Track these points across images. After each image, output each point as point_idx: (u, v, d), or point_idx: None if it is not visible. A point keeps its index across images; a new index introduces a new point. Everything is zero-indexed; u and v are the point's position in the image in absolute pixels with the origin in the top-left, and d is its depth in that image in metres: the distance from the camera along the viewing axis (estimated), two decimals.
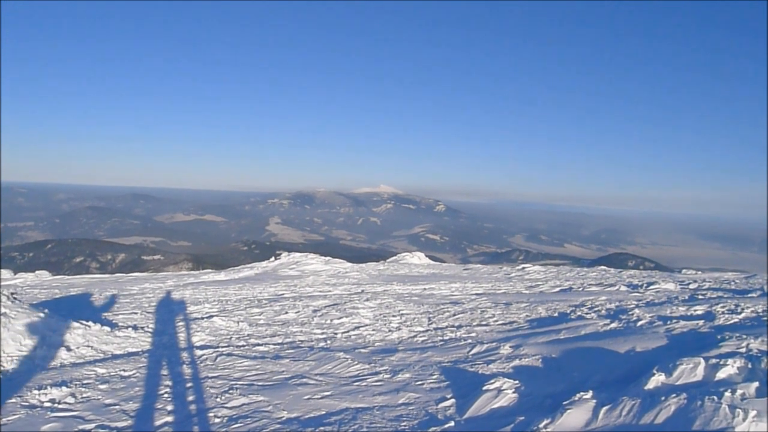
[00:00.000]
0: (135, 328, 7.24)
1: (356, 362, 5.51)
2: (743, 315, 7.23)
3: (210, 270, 22.87)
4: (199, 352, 6.08)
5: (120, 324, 7.54)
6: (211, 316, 8.38)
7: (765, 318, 6.97)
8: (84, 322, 6.58)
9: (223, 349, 6.30)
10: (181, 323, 7.91)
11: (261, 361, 5.70)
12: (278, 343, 6.71)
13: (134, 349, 6.18)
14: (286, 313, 8.93)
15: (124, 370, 5.24)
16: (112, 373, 5.14)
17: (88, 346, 6.04)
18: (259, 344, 6.63)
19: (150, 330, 7.27)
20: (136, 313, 8.77)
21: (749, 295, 9.79)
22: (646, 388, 3.85)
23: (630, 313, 7.70)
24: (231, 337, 7.06)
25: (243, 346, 6.55)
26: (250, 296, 11.38)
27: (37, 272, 18.19)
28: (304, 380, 4.98)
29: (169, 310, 9.25)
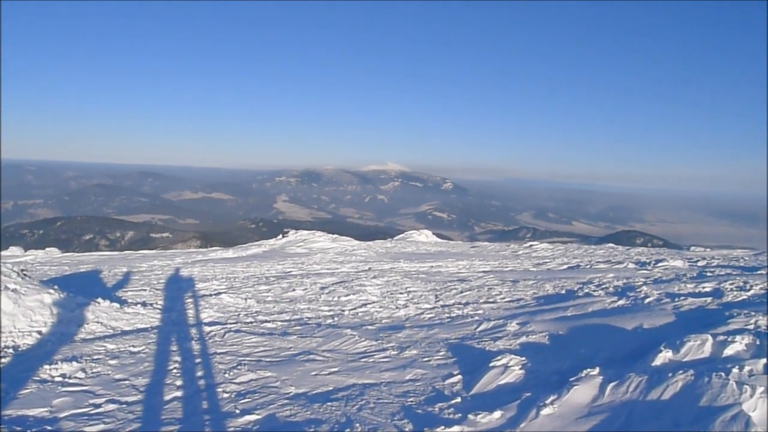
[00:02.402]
0: (144, 304, 7.29)
1: (363, 339, 5.54)
2: (752, 292, 7.19)
3: (218, 247, 23.01)
4: (207, 329, 6.13)
5: (129, 301, 7.61)
6: (220, 293, 8.44)
7: None
8: (94, 298, 6.64)
9: (232, 325, 6.35)
10: (189, 300, 7.98)
11: (269, 337, 5.75)
12: (286, 320, 6.76)
13: (143, 326, 6.23)
14: (294, 290, 8.97)
15: (133, 346, 5.30)
16: (121, 349, 5.20)
17: (97, 322, 6.10)
18: (266, 321, 6.69)
19: (159, 307, 7.33)
20: (145, 290, 8.83)
21: (758, 272, 9.72)
22: (653, 364, 3.85)
23: (638, 290, 7.68)
24: (239, 314, 7.11)
25: (251, 322, 6.60)
26: (257, 273, 11.44)
27: (47, 249, 18.36)
28: (312, 356, 5.02)
29: (177, 287, 9.31)
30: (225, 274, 11.21)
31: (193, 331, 6.08)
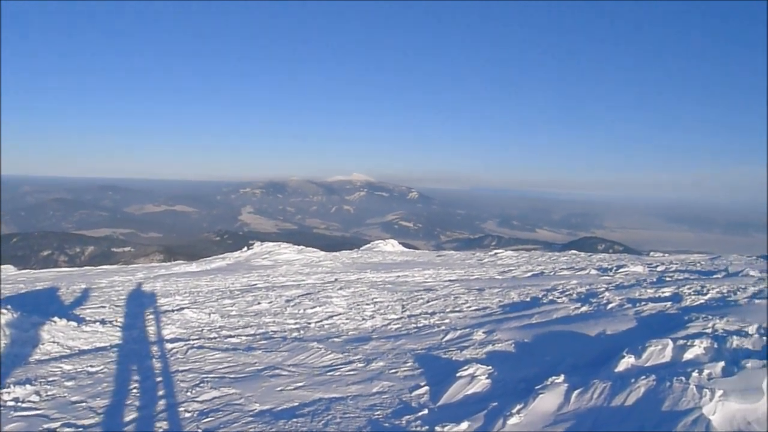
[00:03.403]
0: (103, 322, 7.05)
1: (330, 352, 5.48)
2: (709, 296, 7.40)
3: (181, 261, 22.52)
4: (169, 346, 5.96)
5: (87, 318, 7.34)
6: (182, 308, 8.24)
7: (729, 298, 7.15)
8: (50, 317, 6.39)
9: (194, 341, 6.19)
10: (150, 316, 7.76)
11: (233, 353, 5.63)
12: (250, 334, 6.64)
13: (102, 344, 6.02)
14: (259, 303, 8.83)
15: (91, 366, 5.10)
16: (78, 370, 5.00)
17: (53, 342, 5.86)
18: (231, 336, 6.55)
19: (119, 324, 7.11)
20: (104, 307, 8.55)
21: (714, 276, 10.03)
22: (616, 370, 3.90)
23: (600, 296, 7.82)
24: (202, 329, 6.95)
25: (214, 338, 6.45)
26: (222, 287, 11.22)
27: (1, 267, 17.64)
28: (277, 371, 4.93)
29: (138, 303, 9.05)
30: (188, 289, 10.96)
31: (155, 348, 5.91)
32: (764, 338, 4.49)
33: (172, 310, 8.18)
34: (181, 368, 5.06)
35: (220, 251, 25.67)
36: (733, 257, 15.00)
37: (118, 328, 6.81)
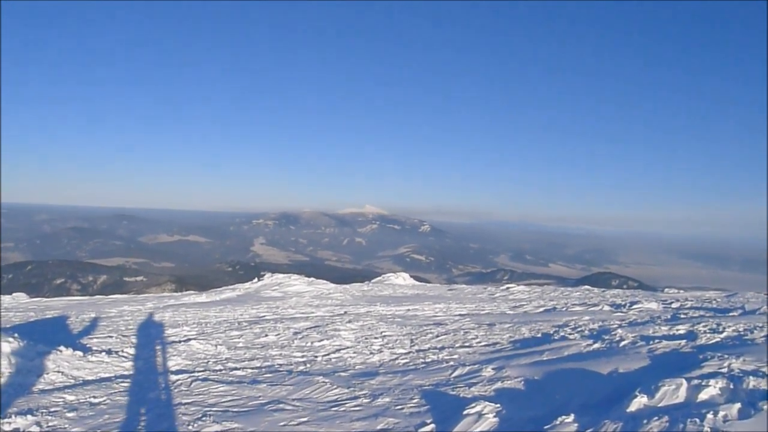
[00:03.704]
0: (109, 352, 7.02)
1: (335, 386, 5.38)
2: (725, 334, 7.23)
3: (192, 291, 22.52)
4: (173, 377, 5.90)
5: (94, 348, 7.32)
6: (189, 339, 8.19)
7: (746, 337, 6.97)
8: (56, 346, 6.37)
9: (199, 373, 6.13)
10: (157, 347, 7.71)
11: (237, 386, 5.55)
12: (256, 367, 6.56)
13: (107, 375, 5.98)
14: (266, 335, 8.76)
15: (94, 397, 5.06)
16: (81, 400, 4.95)
17: (58, 371, 5.84)
18: (236, 368, 6.48)
19: (125, 354, 7.06)
20: (111, 337, 8.53)
21: (730, 314, 9.82)
22: (628, 410, 3.79)
23: (613, 333, 7.67)
24: (208, 361, 6.88)
25: (220, 370, 6.38)
26: (230, 318, 11.18)
27: (14, 294, 17.75)
28: (281, 405, 4.84)
29: (146, 334, 9.03)
30: (197, 319, 10.93)
31: (159, 380, 5.85)
32: None
33: (179, 341, 8.13)
34: (184, 401, 5.00)
35: (232, 282, 25.70)
36: (750, 295, 14.70)
37: (123, 359, 6.77)
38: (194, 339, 8.23)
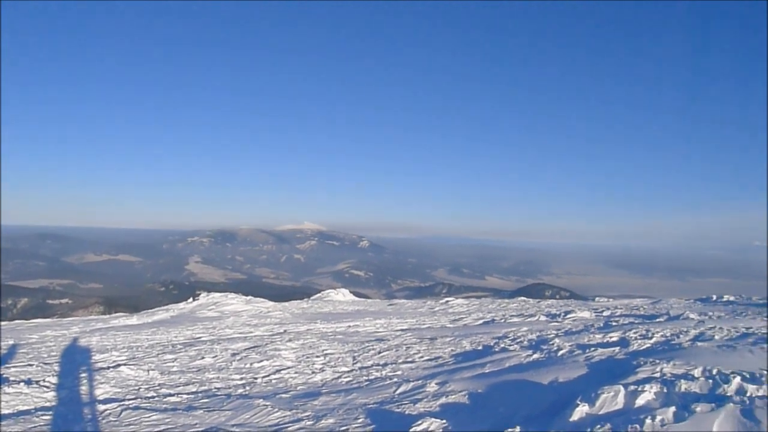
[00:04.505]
0: (28, 382, 6.51)
1: (276, 409, 5.20)
2: (654, 340, 7.56)
3: (122, 313, 21.45)
4: (101, 407, 5.53)
5: (11, 379, 6.77)
6: (119, 365, 7.72)
7: (674, 342, 7.31)
8: None
9: (130, 401, 5.77)
10: (83, 374, 7.23)
11: (172, 413, 5.26)
12: (192, 392, 6.26)
13: (25, 407, 5.53)
14: (203, 358, 8.40)
15: None
16: None
17: None
18: (170, 394, 6.15)
19: (46, 384, 6.57)
20: (31, 365, 7.92)
21: (657, 319, 10.30)
22: (571, 419, 3.84)
23: (551, 343, 7.85)
24: (139, 388, 6.51)
25: (152, 397, 6.04)
26: (163, 341, 10.67)
27: None
28: None
29: (70, 360, 8.47)
30: (127, 343, 10.37)
31: (85, 410, 5.46)
32: (710, 381, 4.55)
33: (108, 367, 7.65)
34: None
35: (165, 302, 24.68)
36: (673, 301, 15.54)
37: (45, 389, 6.29)
38: (124, 364, 7.77)
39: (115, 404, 5.63)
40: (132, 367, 7.55)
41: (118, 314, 20.64)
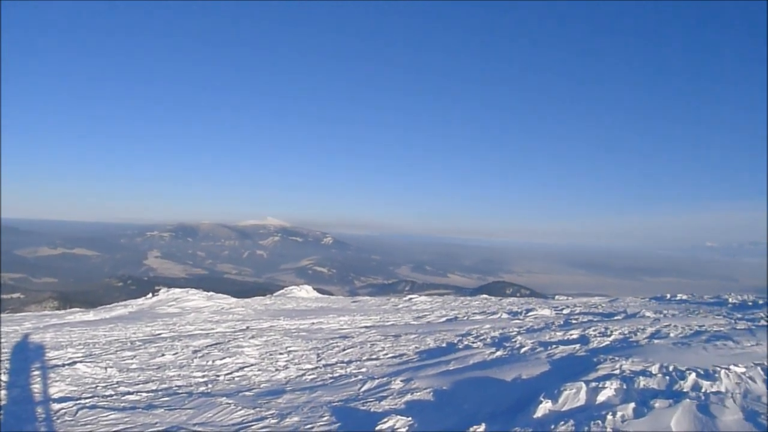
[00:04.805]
0: None
1: (239, 407, 5.12)
2: (612, 337, 7.75)
3: (78, 309, 20.79)
4: (56, 406, 5.33)
5: None
6: (74, 362, 7.48)
7: (631, 339, 7.51)
8: None
9: (86, 400, 5.59)
10: (37, 372, 6.97)
11: (131, 412, 5.11)
12: (152, 390, 6.10)
13: None
14: (163, 355, 8.21)
15: None
16: None
17: None
18: (129, 393, 5.98)
19: None
20: None
21: (615, 317, 10.57)
22: (535, 416, 3.90)
23: (513, 340, 7.96)
24: (97, 386, 6.31)
25: (110, 395, 5.86)
26: (122, 337, 10.39)
27: None
28: None
29: (23, 358, 8.16)
30: (83, 340, 10.05)
31: (39, 410, 5.27)
32: (667, 378, 4.69)
33: (63, 365, 7.40)
34: None
35: (123, 298, 23.99)
36: (629, 299, 15.98)
37: None
38: (80, 362, 7.52)
39: (70, 403, 5.45)
40: (89, 364, 7.33)
41: (73, 310, 20.02)
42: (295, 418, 4.81)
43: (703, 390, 4.29)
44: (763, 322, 8.75)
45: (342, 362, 7.46)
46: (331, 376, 6.66)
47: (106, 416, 4.98)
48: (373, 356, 7.76)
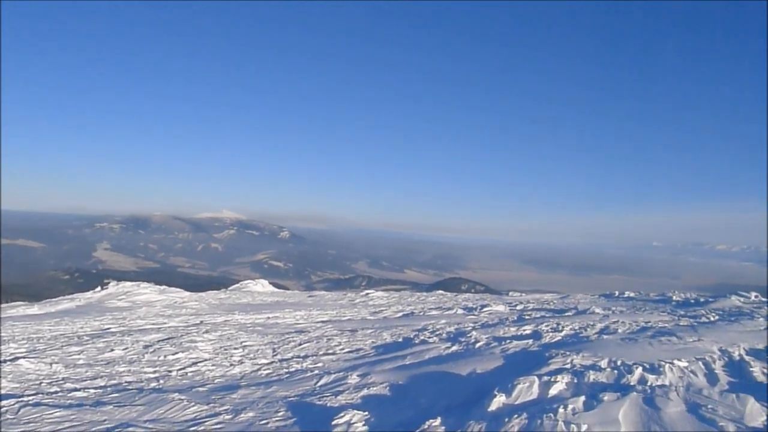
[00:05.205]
0: None
1: (193, 403, 5.02)
2: (564, 333, 7.97)
3: (21, 303, 19.94)
4: None
5: None
6: (17, 358, 7.17)
7: (582, 334, 7.74)
8: None
9: (30, 397, 5.36)
10: None
11: (77, 410, 4.94)
12: (100, 387, 5.91)
13: None
14: (112, 350, 7.96)
15: None
16: None
17: None
18: (76, 389, 5.78)
19: None
20: None
21: (566, 314, 10.87)
22: (489, 410, 3.97)
23: (468, 335, 8.08)
24: (41, 383, 6.07)
25: (56, 392, 5.65)
26: (68, 332, 10.02)
27: None
28: (131, 429, 4.39)
29: None
30: (26, 335, 9.65)
31: None
32: (615, 371, 4.86)
33: (5, 361, 7.08)
34: (11, 431, 4.33)
35: (70, 291, 23.16)
36: (580, 296, 16.45)
37: None
38: (24, 357, 7.22)
39: (12, 400, 5.21)
40: (32, 360, 7.04)
41: (15, 303, 19.16)
42: (250, 414, 4.76)
43: (648, 383, 4.47)
44: (704, 319, 9.16)
45: (298, 357, 7.41)
46: (287, 371, 6.61)
47: (51, 414, 4.79)
48: (330, 351, 7.74)
